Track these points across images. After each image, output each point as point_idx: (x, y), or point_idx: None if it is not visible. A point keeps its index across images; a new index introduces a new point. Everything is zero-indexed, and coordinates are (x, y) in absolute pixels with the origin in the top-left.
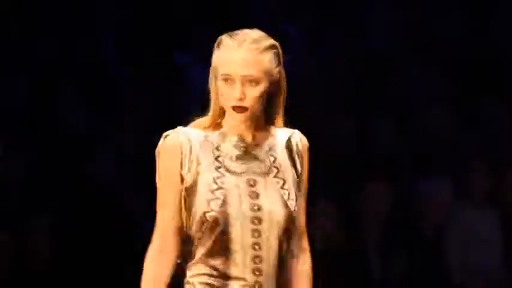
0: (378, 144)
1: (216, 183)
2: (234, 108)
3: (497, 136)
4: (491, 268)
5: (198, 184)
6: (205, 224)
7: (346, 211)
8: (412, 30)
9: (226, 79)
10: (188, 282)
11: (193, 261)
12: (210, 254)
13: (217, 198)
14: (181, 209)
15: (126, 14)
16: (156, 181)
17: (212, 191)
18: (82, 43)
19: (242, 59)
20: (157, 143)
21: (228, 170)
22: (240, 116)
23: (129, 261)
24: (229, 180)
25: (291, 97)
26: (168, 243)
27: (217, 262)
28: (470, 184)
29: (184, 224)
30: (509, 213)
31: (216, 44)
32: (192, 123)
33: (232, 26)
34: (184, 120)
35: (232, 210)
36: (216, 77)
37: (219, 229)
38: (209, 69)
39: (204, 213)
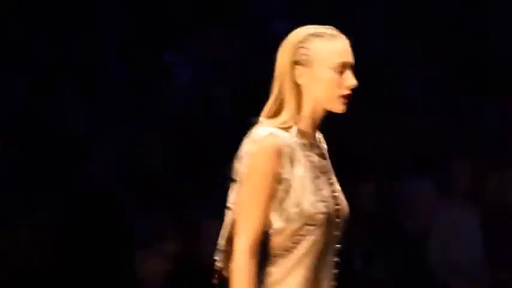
0: (362, 145)
1: (314, 183)
2: (346, 96)
3: (480, 136)
4: (474, 266)
5: (300, 186)
6: (308, 227)
7: None
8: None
9: (339, 68)
10: None
11: (286, 266)
12: (308, 255)
13: (322, 201)
14: (270, 210)
15: (126, 14)
16: (244, 180)
17: (315, 193)
18: (82, 43)
19: (349, 48)
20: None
21: (319, 170)
22: (345, 105)
23: (127, 261)
24: (322, 180)
25: None
26: (257, 245)
27: (314, 264)
28: (453, 184)
29: (275, 226)
30: (491, 213)
31: (308, 38)
32: (268, 123)
33: (232, 26)
34: (175, 117)
35: (331, 210)
36: (298, 72)
37: (322, 230)
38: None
39: (313, 215)
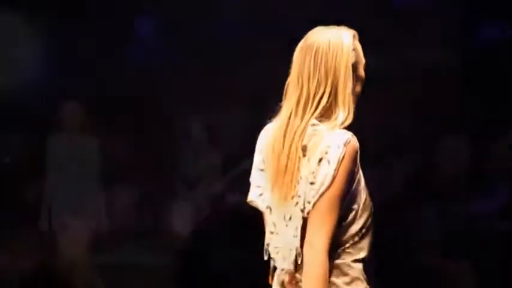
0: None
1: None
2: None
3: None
4: None
5: (362, 181)
6: (369, 220)
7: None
8: None
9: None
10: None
11: (351, 258)
12: (367, 247)
13: (369, 194)
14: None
15: None
16: (332, 184)
17: (367, 186)
18: None
19: None
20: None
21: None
22: None
23: None
24: None
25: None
26: (331, 243)
27: (368, 255)
28: None
29: (345, 223)
30: None
31: (353, 40)
32: (330, 126)
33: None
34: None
35: None
36: (354, 70)
37: (373, 221)
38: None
39: (371, 208)
